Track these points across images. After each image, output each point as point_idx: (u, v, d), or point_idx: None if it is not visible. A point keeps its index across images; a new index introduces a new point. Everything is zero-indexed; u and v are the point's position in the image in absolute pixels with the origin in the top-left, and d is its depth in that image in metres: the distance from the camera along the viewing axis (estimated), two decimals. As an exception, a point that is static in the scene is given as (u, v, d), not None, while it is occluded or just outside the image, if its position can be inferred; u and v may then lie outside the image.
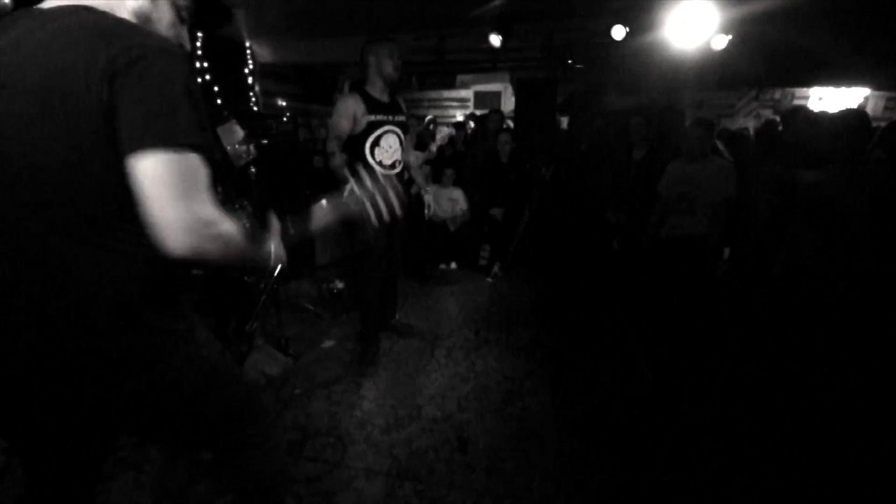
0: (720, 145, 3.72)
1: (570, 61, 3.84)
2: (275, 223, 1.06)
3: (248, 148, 2.93)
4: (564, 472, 1.87)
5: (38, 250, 0.77)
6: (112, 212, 0.77)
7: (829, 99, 6.96)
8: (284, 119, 4.41)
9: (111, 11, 0.79)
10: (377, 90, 2.48)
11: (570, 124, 6.27)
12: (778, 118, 3.88)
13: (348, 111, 2.42)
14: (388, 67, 2.44)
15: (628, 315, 3.11)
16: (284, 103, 5.45)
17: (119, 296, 0.80)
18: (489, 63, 4.33)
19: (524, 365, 2.71)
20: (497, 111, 4.58)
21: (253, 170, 2.98)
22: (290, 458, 1.93)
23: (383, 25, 4.34)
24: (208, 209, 0.76)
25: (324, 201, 1.11)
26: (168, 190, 0.71)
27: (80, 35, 0.73)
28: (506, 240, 4.18)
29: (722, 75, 4.19)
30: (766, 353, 2.43)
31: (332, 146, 2.44)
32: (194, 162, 0.75)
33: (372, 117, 2.44)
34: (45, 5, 0.80)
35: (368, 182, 1.10)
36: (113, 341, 0.81)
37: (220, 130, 3.14)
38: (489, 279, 4.09)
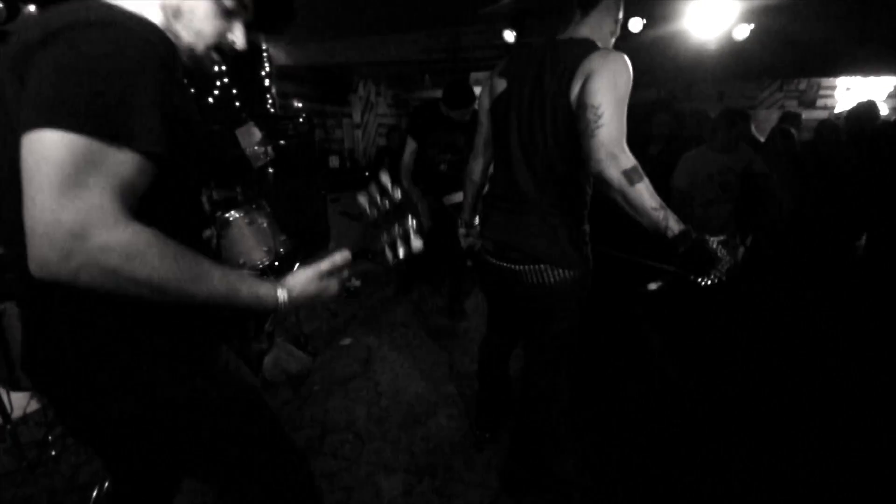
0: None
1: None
2: (336, 255, 0.83)
3: (266, 149, 2.97)
4: (583, 472, 1.85)
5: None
6: None
7: (856, 89, 6.71)
8: (301, 120, 4.47)
9: (140, 10, 0.71)
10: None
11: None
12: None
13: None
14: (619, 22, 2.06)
15: (649, 310, 3.06)
16: (300, 104, 5.51)
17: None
18: (503, 58, 4.31)
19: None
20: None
21: (271, 171, 3.03)
22: (310, 453, 1.96)
23: (396, 25, 4.36)
24: (85, 212, 0.57)
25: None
26: (37, 181, 0.56)
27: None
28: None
29: (744, 66, 4.07)
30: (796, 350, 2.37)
31: (628, 152, 1.32)
32: (84, 147, 0.58)
33: None
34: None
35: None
36: (106, 364, 0.72)
37: (238, 132, 3.20)
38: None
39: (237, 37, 0.86)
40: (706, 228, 2.69)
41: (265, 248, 2.59)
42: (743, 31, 3.47)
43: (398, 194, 0.75)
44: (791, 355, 2.63)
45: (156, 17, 0.76)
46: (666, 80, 4.90)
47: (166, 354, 0.76)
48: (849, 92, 6.82)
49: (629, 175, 1.14)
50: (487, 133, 1.56)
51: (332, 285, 0.84)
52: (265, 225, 2.65)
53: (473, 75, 5.23)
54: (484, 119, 1.57)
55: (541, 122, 1.33)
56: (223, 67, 4.28)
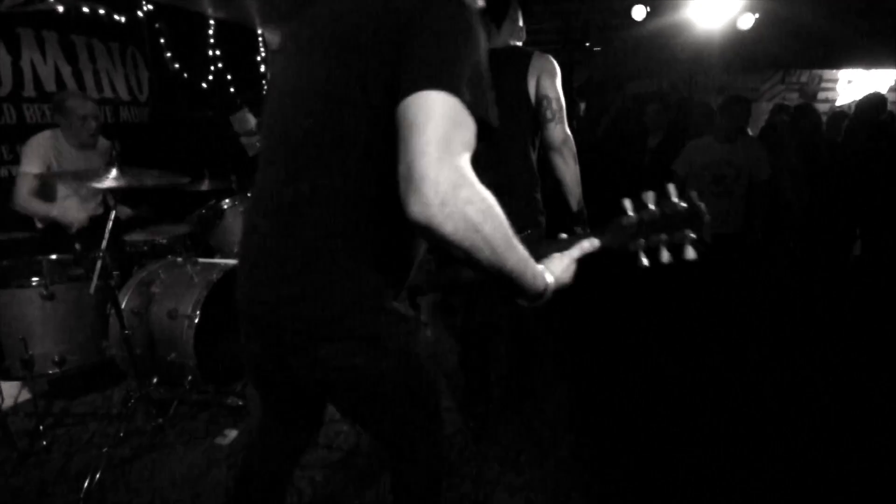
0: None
1: (587, 44, 3.72)
2: (585, 243, 0.87)
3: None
4: (579, 466, 1.85)
5: (288, 209, 0.78)
6: (374, 165, 0.73)
7: (858, 82, 6.67)
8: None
9: None
10: None
11: (587, 110, 6.14)
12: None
13: None
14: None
15: (650, 309, 3.05)
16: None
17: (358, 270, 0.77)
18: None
19: (544, 359, 2.68)
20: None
21: (265, 158, 2.98)
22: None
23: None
24: (466, 169, 0.62)
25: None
26: (434, 135, 0.61)
27: None
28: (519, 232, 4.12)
29: (747, 57, 4.02)
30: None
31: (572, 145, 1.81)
32: (460, 113, 0.63)
33: None
34: None
35: None
36: (340, 314, 0.78)
37: (232, 119, 3.14)
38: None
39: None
40: (727, 234, 2.70)
41: (260, 238, 2.55)
42: (747, 21, 3.41)
43: (683, 204, 0.75)
44: (790, 352, 2.64)
45: None
46: (668, 72, 4.84)
47: (399, 317, 0.84)
48: (850, 85, 6.78)
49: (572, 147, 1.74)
50: None
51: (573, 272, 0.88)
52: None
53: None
54: None
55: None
56: (217, 52, 4.19)
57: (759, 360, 2.55)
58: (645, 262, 0.78)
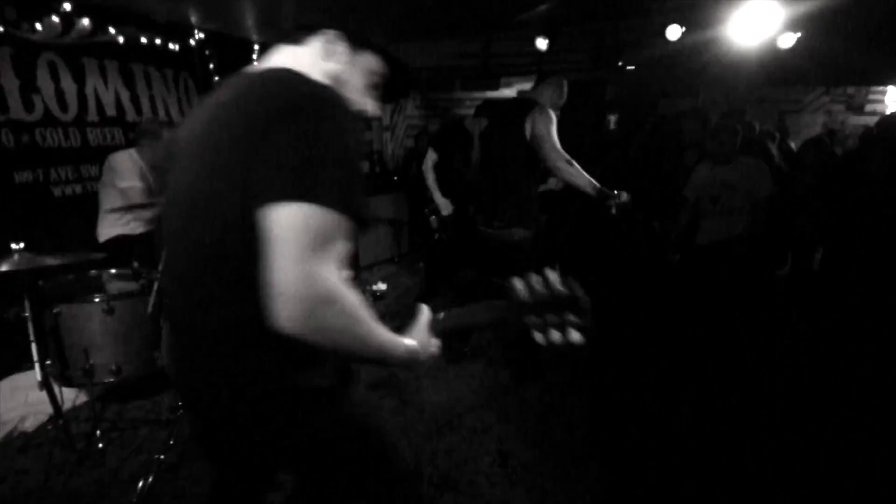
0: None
1: (619, 63, 3.72)
2: (424, 312, 0.93)
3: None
4: (606, 496, 1.85)
5: (198, 302, 0.80)
6: (248, 268, 0.71)
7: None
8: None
9: (307, 73, 0.80)
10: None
11: (618, 124, 6.08)
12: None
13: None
14: (562, 97, 2.54)
15: (677, 330, 3.00)
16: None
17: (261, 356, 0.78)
18: (534, 66, 4.29)
19: (566, 377, 2.69)
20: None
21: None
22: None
23: (429, 31, 4.38)
24: (330, 279, 0.65)
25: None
26: (291, 246, 0.63)
27: (257, 88, 0.76)
28: (548, 247, 4.12)
29: (787, 75, 3.91)
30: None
31: (562, 154, 2.38)
32: (324, 220, 0.65)
33: None
34: (255, 68, 0.86)
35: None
36: (259, 403, 0.80)
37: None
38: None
39: (369, 106, 0.97)
40: (730, 240, 2.73)
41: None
42: (789, 40, 3.34)
43: (564, 289, 0.78)
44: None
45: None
46: (705, 89, 4.76)
47: (328, 395, 0.85)
48: (900, 99, 6.45)
49: (566, 160, 2.37)
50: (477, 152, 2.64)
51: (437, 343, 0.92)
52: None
53: (504, 80, 5.21)
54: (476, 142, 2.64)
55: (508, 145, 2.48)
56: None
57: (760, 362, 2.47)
58: (539, 338, 0.81)
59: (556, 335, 0.79)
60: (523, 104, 2.45)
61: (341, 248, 0.68)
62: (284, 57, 0.89)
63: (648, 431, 2.21)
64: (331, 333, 0.66)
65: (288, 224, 0.63)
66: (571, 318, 0.77)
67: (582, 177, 2.37)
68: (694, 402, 2.40)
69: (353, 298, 0.68)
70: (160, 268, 1.94)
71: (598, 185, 2.36)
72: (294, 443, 0.84)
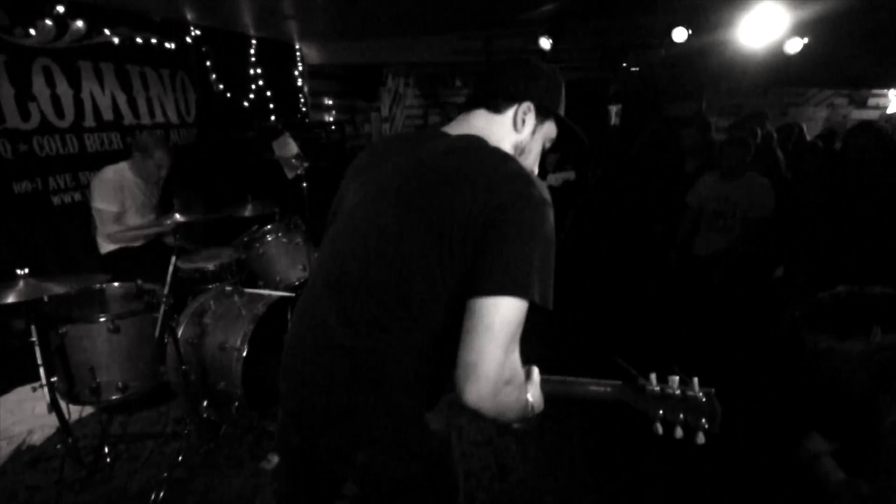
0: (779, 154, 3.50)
1: (624, 64, 3.66)
2: (535, 372, 0.95)
3: (301, 163, 3.02)
4: (603, 510, 1.90)
5: (354, 344, 0.84)
6: (437, 331, 0.81)
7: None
8: (333, 128, 4.51)
9: (499, 144, 0.90)
10: None
11: (620, 117, 6.02)
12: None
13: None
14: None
15: (676, 338, 3.04)
16: (330, 101, 5.54)
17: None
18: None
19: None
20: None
21: (305, 185, 3.09)
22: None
23: (430, 26, 4.30)
24: (517, 364, 0.75)
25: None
26: (500, 336, 0.70)
27: (470, 175, 0.80)
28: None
29: (791, 78, 3.87)
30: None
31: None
32: (523, 311, 0.73)
33: None
34: (451, 131, 0.94)
35: None
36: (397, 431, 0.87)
37: (274, 144, 3.26)
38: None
39: (536, 167, 1.03)
40: (729, 252, 2.74)
41: (301, 266, 2.68)
42: (795, 45, 3.30)
43: (703, 398, 0.85)
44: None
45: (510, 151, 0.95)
46: (709, 92, 4.69)
47: (431, 429, 0.91)
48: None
49: None
50: None
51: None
52: (301, 242, 2.73)
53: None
54: None
55: None
56: (258, 70, 4.33)
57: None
58: (660, 430, 0.87)
59: (680, 432, 0.86)
60: None
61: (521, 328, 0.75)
62: (482, 123, 0.95)
63: (648, 446, 2.25)
64: (505, 407, 0.75)
65: (501, 317, 0.71)
66: (703, 423, 0.84)
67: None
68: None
69: (521, 372, 0.78)
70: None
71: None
72: (396, 470, 0.89)
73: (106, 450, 2.13)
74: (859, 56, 3.51)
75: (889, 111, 6.60)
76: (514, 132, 0.95)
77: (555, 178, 3.19)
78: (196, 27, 3.71)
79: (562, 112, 1.00)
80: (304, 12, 3.78)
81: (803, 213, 2.80)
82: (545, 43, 3.70)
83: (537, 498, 1.96)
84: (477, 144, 0.88)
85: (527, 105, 0.94)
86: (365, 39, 4.82)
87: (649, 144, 3.91)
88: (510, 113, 0.94)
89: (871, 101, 6.79)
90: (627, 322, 3.40)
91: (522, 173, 0.81)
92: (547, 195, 0.81)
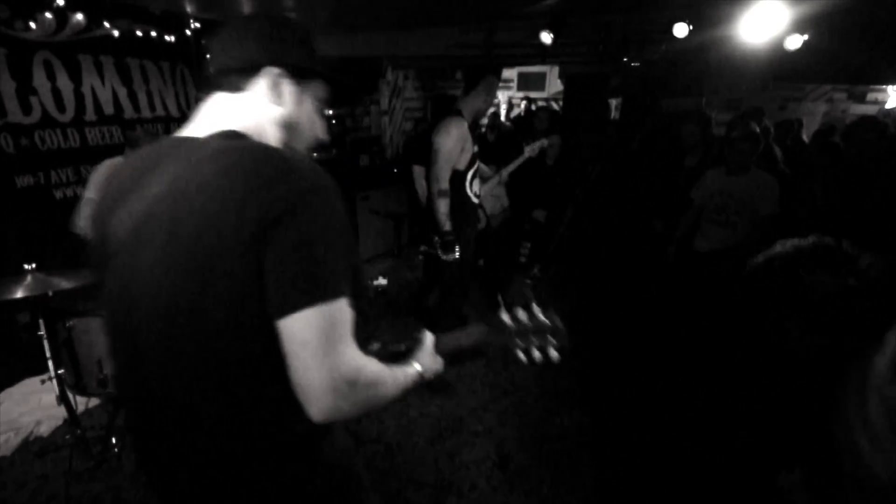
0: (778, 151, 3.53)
1: (625, 59, 3.67)
2: (428, 337, 0.99)
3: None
4: (604, 501, 1.95)
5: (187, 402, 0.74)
6: (260, 373, 0.71)
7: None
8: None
9: (260, 135, 0.78)
10: (471, 118, 2.38)
11: (619, 111, 6.03)
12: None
13: (463, 138, 2.28)
14: (490, 102, 2.42)
15: (674, 333, 3.08)
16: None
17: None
18: (538, 57, 4.23)
19: (563, 380, 2.77)
20: (545, 109, 4.46)
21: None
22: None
23: (430, 19, 4.28)
24: (351, 363, 0.69)
25: (471, 329, 1.03)
26: (314, 346, 0.65)
27: (233, 179, 0.66)
28: (547, 241, 4.16)
29: (791, 73, 3.88)
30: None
31: (444, 183, 2.30)
32: (338, 310, 0.67)
33: (475, 148, 2.41)
34: (196, 133, 0.77)
35: (525, 319, 0.99)
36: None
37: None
38: (528, 280, 4.10)
39: (320, 132, 0.89)
40: (728, 249, 2.75)
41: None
42: (795, 42, 3.31)
43: (546, 321, 0.99)
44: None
45: (276, 138, 0.82)
46: (707, 91, 4.68)
47: (309, 442, 0.83)
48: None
49: (442, 189, 2.32)
50: None
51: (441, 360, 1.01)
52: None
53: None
54: None
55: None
56: None
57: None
58: (524, 358, 1.00)
59: (537, 354, 0.99)
60: (445, 112, 2.38)
61: (350, 321, 0.70)
62: (228, 111, 0.78)
63: (647, 435, 2.30)
64: (361, 406, 0.72)
65: (309, 329, 0.65)
66: (552, 340, 0.99)
67: (442, 215, 2.30)
68: (693, 406, 2.49)
69: (370, 366, 0.73)
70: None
71: (448, 230, 2.33)
72: (273, 494, 0.79)
73: (113, 440, 2.16)
74: (859, 52, 3.52)
75: (888, 106, 6.62)
76: (274, 107, 0.79)
77: (530, 149, 3.11)
78: (196, 20, 3.69)
79: (318, 66, 0.83)
80: (305, 4, 3.76)
81: (803, 208, 2.83)
82: (546, 38, 3.69)
83: (535, 487, 2.01)
84: (225, 148, 0.70)
85: (276, 73, 0.78)
86: (365, 31, 4.80)
87: (649, 139, 3.92)
88: (258, 87, 0.78)
89: (870, 97, 6.82)
90: (627, 317, 3.45)
91: (284, 166, 0.67)
92: (317, 175, 0.69)
